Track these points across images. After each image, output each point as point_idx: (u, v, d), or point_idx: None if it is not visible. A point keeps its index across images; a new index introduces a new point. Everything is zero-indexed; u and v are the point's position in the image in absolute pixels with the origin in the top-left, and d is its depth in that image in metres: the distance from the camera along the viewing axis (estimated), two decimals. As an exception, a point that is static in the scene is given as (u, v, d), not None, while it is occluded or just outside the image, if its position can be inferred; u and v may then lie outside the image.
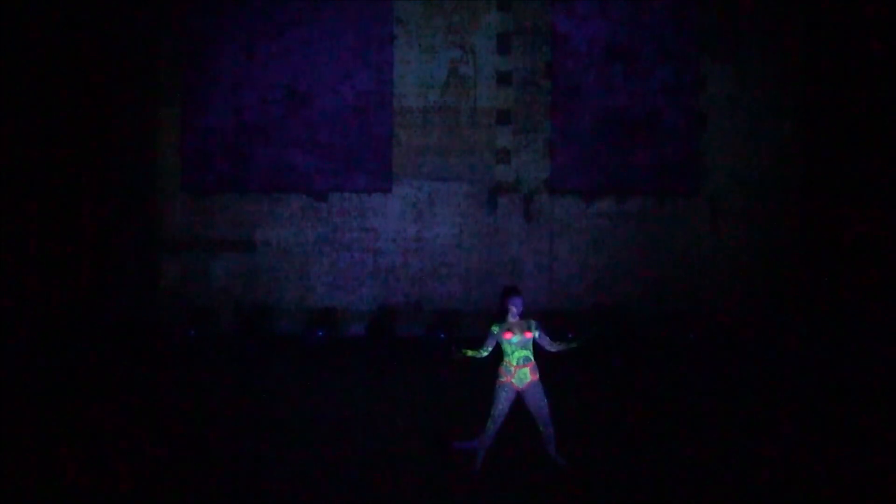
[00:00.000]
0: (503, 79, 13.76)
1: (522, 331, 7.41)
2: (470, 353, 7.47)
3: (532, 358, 7.43)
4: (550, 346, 7.53)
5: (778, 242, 13.67)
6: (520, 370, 7.39)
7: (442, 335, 12.99)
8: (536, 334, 7.44)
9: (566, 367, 10.87)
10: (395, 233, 13.76)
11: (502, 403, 7.37)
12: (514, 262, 13.73)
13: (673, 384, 10.83)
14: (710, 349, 12.61)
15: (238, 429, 8.81)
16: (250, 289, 13.63)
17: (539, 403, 7.41)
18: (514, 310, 7.41)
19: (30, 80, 11.85)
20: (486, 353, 7.48)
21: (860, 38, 12.68)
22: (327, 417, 9.24)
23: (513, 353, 7.39)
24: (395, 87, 13.74)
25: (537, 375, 7.44)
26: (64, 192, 12.52)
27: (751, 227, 13.71)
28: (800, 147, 13.70)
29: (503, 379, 7.40)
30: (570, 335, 12.97)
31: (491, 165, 13.75)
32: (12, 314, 11.53)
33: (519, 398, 7.44)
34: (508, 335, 7.39)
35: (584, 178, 13.76)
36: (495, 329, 7.44)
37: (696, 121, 13.76)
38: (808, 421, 9.12)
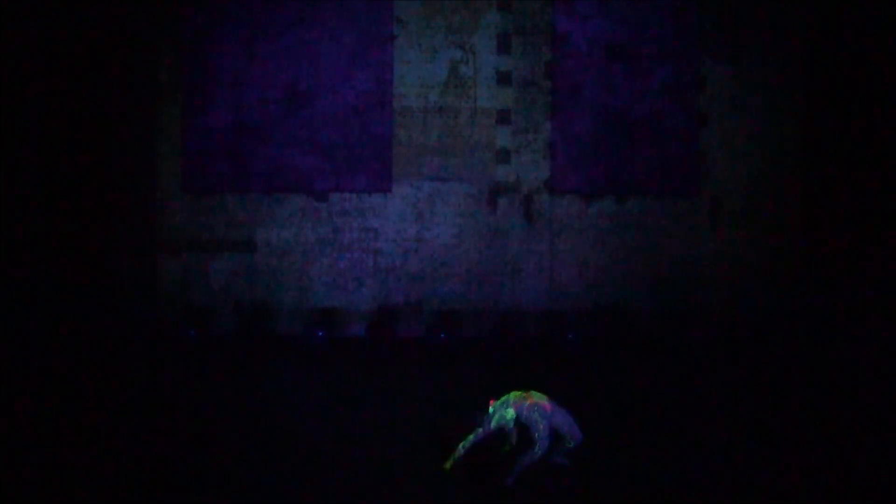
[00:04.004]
0: (503, 79, 13.75)
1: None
2: (507, 448, 7.43)
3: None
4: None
5: (778, 242, 13.67)
6: (533, 391, 7.30)
7: (442, 335, 13.00)
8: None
9: (565, 368, 10.89)
10: (395, 233, 13.75)
11: (542, 422, 7.09)
12: (514, 262, 13.73)
13: (673, 384, 10.83)
14: (711, 349, 12.62)
15: (238, 429, 8.81)
16: (250, 289, 13.63)
17: (569, 419, 7.28)
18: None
19: (29, 79, 11.84)
20: (514, 440, 7.40)
21: (861, 38, 12.69)
22: (327, 418, 9.24)
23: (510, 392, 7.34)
24: (395, 87, 13.73)
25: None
26: (63, 192, 12.51)
27: (751, 227, 13.71)
28: (800, 147, 13.70)
29: (528, 402, 7.19)
30: (569, 335, 13.04)
31: (491, 165, 13.75)
32: (11, 314, 11.52)
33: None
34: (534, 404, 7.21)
35: (584, 178, 13.76)
36: (509, 414, 7.21)
37: (696, 121, 13.76)
38: (809, 421, 9.13)
